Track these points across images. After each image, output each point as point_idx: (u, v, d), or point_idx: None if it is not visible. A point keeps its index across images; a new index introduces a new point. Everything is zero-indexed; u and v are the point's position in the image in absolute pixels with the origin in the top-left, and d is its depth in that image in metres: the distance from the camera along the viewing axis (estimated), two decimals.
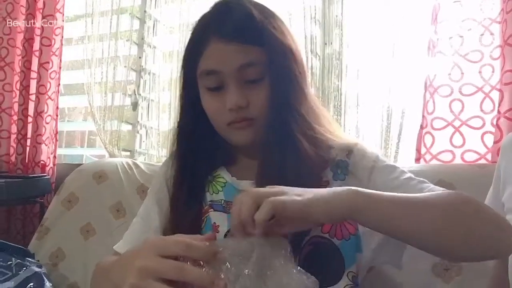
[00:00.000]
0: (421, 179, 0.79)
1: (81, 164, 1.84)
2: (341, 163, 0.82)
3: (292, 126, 0.78)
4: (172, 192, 0.88)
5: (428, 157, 1.41)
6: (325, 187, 0.71)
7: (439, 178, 1.22)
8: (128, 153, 1.95)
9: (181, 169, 0.88)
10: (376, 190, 0.66)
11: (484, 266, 1.04)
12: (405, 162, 1.45)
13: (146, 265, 0.55)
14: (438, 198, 0.66)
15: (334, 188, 0.65)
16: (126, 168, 1.71)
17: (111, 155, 1.92)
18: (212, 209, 0.83)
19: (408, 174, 0.81)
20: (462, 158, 1.38)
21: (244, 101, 0.78)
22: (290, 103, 0.79)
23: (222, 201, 0.84)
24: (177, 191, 0.87)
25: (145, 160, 1.87)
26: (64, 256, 1.65)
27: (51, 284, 1.42)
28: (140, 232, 0.93)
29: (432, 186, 0.77)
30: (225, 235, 0.79)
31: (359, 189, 0.64)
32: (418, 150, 1.42)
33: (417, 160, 1.42)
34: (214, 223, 0.82)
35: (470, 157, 1.37)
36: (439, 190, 0.74)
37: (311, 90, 0.87)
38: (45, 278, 1.39)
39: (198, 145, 0.87)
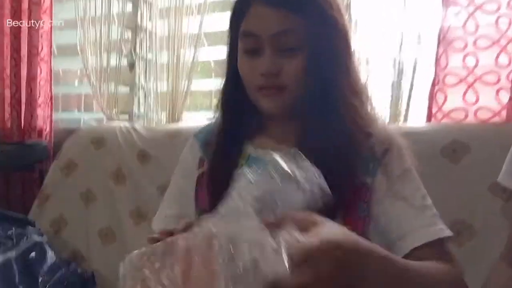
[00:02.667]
0: (435, 212, 0.75)
1: (77, 130, 1.78)
2: (376, 159, 0.78)
3: (331, 100, 0.76)
4: (201, 172, 0.87)
5: (439, 115, 1.34)
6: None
7: (453, 138, 1.16)
8: (126, 116, 1.88)
9: (222, 139, 0.85)
10: (395, 196, 0.73)
11: (497, 231, 1.00)
12: (416, 121, 1.39)
13: None
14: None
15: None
16: (125, 133, 1.65)
17: (109, 118, 1.86)
18: None
19: (429, 200, 0.77)
20: (475, 116, 1.31)
21: (276, 68, 0.76)
22: (329, 78, 0.76)
23: None
24: (208, 168, 0.86)
25: (144, 123, 1.81)
26: (66, 223, 1.63)
27: (53, 253, 1.40)
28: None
29: (442, 224, 0.74)
30: None
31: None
32: (429, 108, 1.36)
33: (428, 118, 1.36)
34: None
35: (484, 115, 1.31)
36: (448, 233, 0.73)
37: (357, 68, 0.82)
38: (47, 247, 1.36)
39: (237, 113, 0.85)
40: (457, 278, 0.69)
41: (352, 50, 0.82)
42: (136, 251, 0.55)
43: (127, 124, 1.71)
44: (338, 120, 0.75)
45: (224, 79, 0.87)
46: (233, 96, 0.84)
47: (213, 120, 0.89)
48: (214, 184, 0.82)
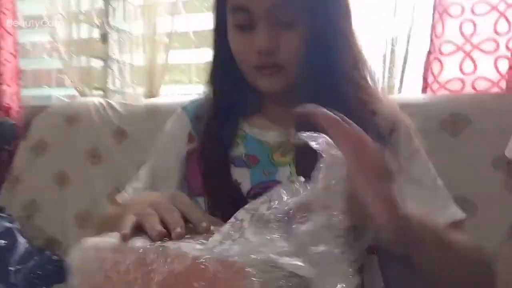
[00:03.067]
0: (448, 194, 0.72)
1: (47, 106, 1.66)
2: (382, 138, 0.72)
3: (334, 76, 0.70)
4: (192, 148, 0.81)
5: (435, 86, 1.28)
6: None
7: (452, 110, 1.10)
8: (101, 92, 1.77)
9: (214, 116, 0.79)
10: (404, 179, 0.67)
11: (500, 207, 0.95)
12: (411, 93, 1.32)
13: (159, 201, 0.53)
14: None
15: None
16: (99, 110, 1.54)
17: (82, 94, 1.74)
18: (232, 164, 0.76)
19: (440, 181, 0.73)
20: (473, 87, 1.26)
21: (273, 44, 0.69)
22: (331, 52, 0.71)
23: (243, 155, 0.76)
24: (200, 145, 0.80)
25: (120, 99, 1.69)
26: (39, 208, 1.53)
27: (25, 240, 1.30)
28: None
29: (455, 206, 0.71)
30: (248, 194, 0.73)
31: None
32: (424, 79, 1.30)
33: (424, 90, 1.29)
34: (236, 180, 0.75)
35: (482, 85, 1.25)
36: (462, 215, 0.70)
37: (358, 39, 0.76)
38: (17, 233, 1.27)
39: (230, 90, 0.78)
40: (488, 258, 0.66)
41: (352, 19, 0.75)
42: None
43: (101, 100, 1.60)
44: (342, 98, 0.69)
45: (213, 52, 0.80)
46: (225, 72, 0.77)
47: (203, 95, 0.82)
48: (208, 165, 0.76)
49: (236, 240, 0.41)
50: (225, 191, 0.74)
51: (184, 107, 0.86)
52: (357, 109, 0.69)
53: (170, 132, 0.85)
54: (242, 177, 0.74)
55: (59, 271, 1.24)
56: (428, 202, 0.68)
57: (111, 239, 0.51)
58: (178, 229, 0.47)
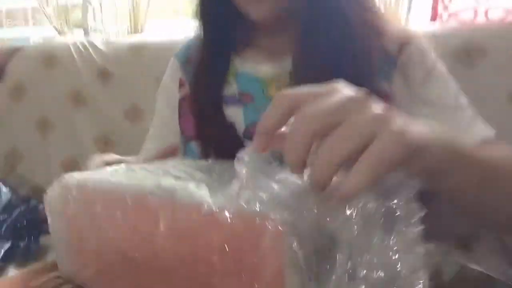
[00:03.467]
0: (473, 112, 0.63)
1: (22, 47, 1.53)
2: (390, 59, 0.64)
3: None
4: (183, 94, 0.74)
5: (445, 16, 1.18)
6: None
7: (467, 40, 1.01)
8: (81, 31, 1.64)
9: (204, 53, 0.72)
10: (420, 102, 0.60)
11: None
12: (420, 23, 1.22)
13: None
14: None
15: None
16: (80, 49, 1.42)
17: (61, 33, 1.61)
18: (225, 104, 0.69)
19: (464, 98, 0.64)
20: (486, 17, 1.16)
21: None
22: None
23: (236, 93, 0.70)
24: (191, 89, 0.73)
25: (102, 37, 1.57)
26: (22, 156, 1.44)
27: (8, 189, 1.22)
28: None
29: (483, 124, 0.62)
30: (244, 133, 0.66)
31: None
32: (434, 8, 1.20)
33: (433, 19, 1.19)
34: (230, 120, 0.68)
35: (495, 15, 1.15)
36: (490, 131, 0.61)
37: None
38: (0, 185, 1.18)
39: (219, 21, 0.71)
40: None
41: None
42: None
43: (82, 38, 1.47)
44: (344, 20, 0.60)
45: None
46: (213, 2, 0.69)
47: (194, 36, 0.75)
48: (200, 106, 0.69)
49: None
50: (220, 132, 0.67)
51: (176, 54, 0.79)
52: (363, 32, 0.61)
53: (165, 86, 0.80)
54: (236, 116, 0.68)
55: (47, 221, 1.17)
56: (451, 124, 0.60)
57: (101, 174, 0.43)
58: None
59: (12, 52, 1.51)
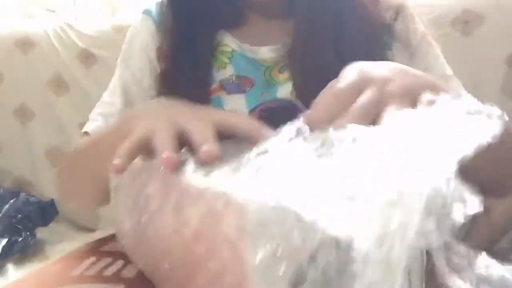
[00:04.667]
0: (458, 82, 0.65)
1: None
2: (388, 28, 0.66)
3: None
4: (164, 69, 0.67)
5: None
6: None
7: (463, 7, 1.02)
8: (53, 12, 1.55)
9: (178, 33, 0.66)
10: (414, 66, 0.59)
11: None
12: None
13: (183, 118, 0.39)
14: None
15: None
16: (57, 31, 1.35)
17: (32, 17, 1.52)
18: (224, 91, 0.65)
19: (449, 70, 0.66)
20: None
21: None
22: None
23: (234, 77, 0.65)
24: (172, 65, 0.67)
25: (77, 18, 1.49)
26: (1, 147, 1.36)
27: None
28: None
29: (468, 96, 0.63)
30: None
31: None
32: None
33: None
34: (231, 108, 0.65)
35: None
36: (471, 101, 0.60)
37: None
38: None
39: None
40: None
41: None
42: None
43: (58, 21, 1.40)
44: None
45: None
46: None
47: None
48: (186, 85, 0.64)
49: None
50: None
51: (148, 11, 0.70)
52: (361, 4, 0.62)
53: (134, 43, 0.70)
54: (238, 104, 0.64)
55: (41, 212, 1.12)
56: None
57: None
58: (205, 147, 0.35)
59: None
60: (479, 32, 1.01)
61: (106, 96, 0.71)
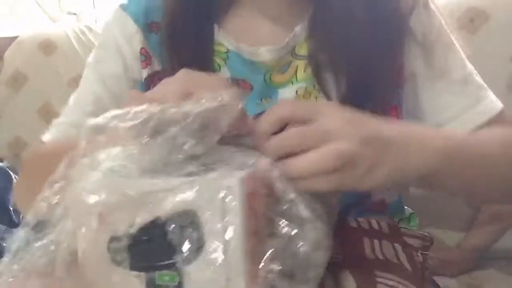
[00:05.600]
0: (479, 82, 0.61)
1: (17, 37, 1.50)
2: (402, 21, 0.60)
3: None
4: (151, 72, 0.61)
5: None
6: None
7: (468, 5, 1.03)
8: (74, 15, 1.62)
9: (167, 29, 0.59)
10: (430, 69, 0.58)
11: None
12: None
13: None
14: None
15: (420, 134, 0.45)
16: (78, 34, 1.41)
17: (54, 20, 1.59)
18: None
19: (469, 66, 0.62)
20: None
21: None
22: None
23: (229, 80, 0.59)
24: (162, 66, 0.60)
25: (96, 20, 1.55)
26: (26, 144, 1.43)
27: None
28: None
29: (490, 97, 0.60)
30: None
31: (449, 143, 0.46)
32: None
33: None
34: None
35: None
36: (497, 106, 0.59)
37: None
38: (11, 172, 1.18)
39: None
40: None
41: None
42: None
43: (77, 24, 1.46)
44: None
45: None
46: None
47: None
48: None
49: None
50: None
51: (125, 7, 0.62)
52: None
53: (110, 48, 0.62)
54: None
55: None
56: (456, 102, 0.58)
57: None
58: None
59: (8, 42, 1.49)
60: (485, 30, 1.02)
61: (72, 102, 0.66)
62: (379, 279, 0.43)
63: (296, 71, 0.59)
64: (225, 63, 0.59)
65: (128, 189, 0.34)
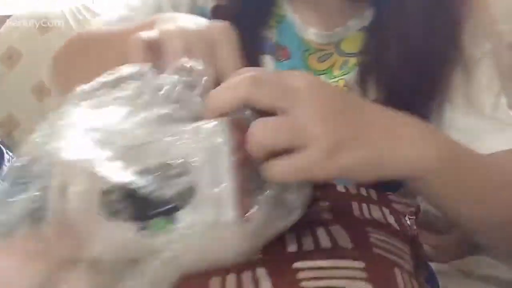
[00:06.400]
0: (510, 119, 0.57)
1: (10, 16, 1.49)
2: (454, 28, 0.58)
3: None
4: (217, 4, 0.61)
5: None
6: None
7: None
8: None
9: None
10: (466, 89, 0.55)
11: None
12: None
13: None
14: None
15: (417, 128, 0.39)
16: (74, 12, 1.40)
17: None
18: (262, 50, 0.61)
19: (503, 100, 0.58)
20: None
21: None
22: None
23: (274, 42, 0.61)
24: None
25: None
26: (18, 123, 1.42)
27: (10, 154, 1.21)
28: None
29: None
30: None
31: (456, 146, 0.42)
32: None
33: None
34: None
35: None
36: None
37: None
38: (2, 147, 1.16)
39: None
40: None
41: None
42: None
43: (75, 2, 1.45)
44: None
45: None
46: None
47: None
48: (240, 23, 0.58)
49: None
50: None
51: None
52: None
53: None
54: (266, 65, 0.60)
55: None
56: (490, 137, 0.54)
57: None
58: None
59: (3, 19, 1.47)
60: None
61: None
62: (370, 234, 0.42)
63: (333, 66, 0.60)
64: (276, 27, 0.61)
65: (118, 140, 0.34)
